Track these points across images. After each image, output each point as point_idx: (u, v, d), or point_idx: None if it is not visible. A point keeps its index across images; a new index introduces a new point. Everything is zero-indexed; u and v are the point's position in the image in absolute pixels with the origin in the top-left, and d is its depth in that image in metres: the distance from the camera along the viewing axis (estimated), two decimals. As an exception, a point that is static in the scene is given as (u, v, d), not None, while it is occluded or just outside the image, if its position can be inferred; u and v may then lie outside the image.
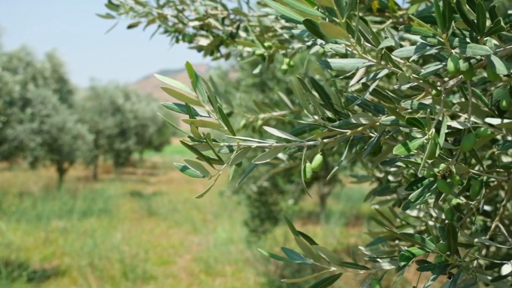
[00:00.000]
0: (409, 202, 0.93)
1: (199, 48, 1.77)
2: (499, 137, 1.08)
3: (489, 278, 1.00)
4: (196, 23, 1.74)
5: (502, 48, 0.85)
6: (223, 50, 1.80)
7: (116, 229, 9.65)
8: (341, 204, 11.76)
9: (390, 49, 0.89)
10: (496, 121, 0.92)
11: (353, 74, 0.97)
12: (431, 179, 0.93)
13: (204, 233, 9.56)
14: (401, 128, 0.92)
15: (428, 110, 0.86)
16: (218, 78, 8.83)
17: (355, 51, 0.85)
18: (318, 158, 0.91)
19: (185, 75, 0.87)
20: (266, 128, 0.91)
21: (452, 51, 0.82)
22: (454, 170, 0.92)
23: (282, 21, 1.64)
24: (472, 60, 0.83)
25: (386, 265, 0.99)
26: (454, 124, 0.90)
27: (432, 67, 0.86)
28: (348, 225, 10.02)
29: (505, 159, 1.44)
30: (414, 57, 0.84)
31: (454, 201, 1.12)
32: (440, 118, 0.83)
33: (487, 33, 0.82)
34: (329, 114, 1.00)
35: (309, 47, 1.44)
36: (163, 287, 6.73)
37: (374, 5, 1.38)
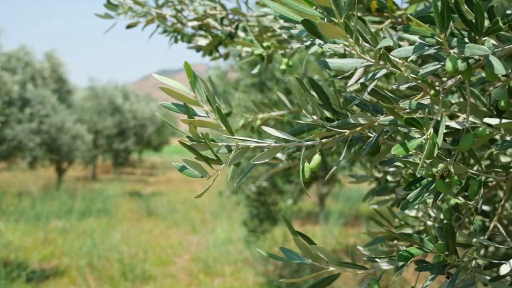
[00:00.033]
0: (408, 202, 0.93)
1: (198, 48, 1.77)
2: (497, 137, 1.08)
3: (488, 278, 1.00)
4: (195, 23, 1.74)
5: (500, 48, 0.85)
6: (222, 50, 1.80)
7: (115, 229, 9.64)
8: (340, 204, 11.77)
9: (389, 49, 0.89)
10: (494, 121, 0.92)
11: (352, 74, 0.97)
12: (430, 179, 0.93)
13: (203, 233, 9.55)
14: (399, 128, 0.92)
15: (427, 110, 0.86)
16: (217, 78, 8.83)
17: (353, 51, 0.85)
18: (317, 158, 0.92)
19: (184, 75, 0.87)
20: (265, 128, 0.91)
21: (451, 51, 0.82)
22: (452, 170, 0.92)
23: (281, 21, 1.64)
24: (470, 60, 0.83)
25: (384, 265, 0.99)
26: (453, 124, 0.90)
27: (430, 67, 0.86)
28: (347, 225, 10.03)
29: (503, 159, 1.44)
30: (413, 57, 0.84)
31: (453, 201, 1.12)
32: (439, 118, 0.83)
33: (486, 33, 0.82)
34: (327, 114, 1.00)
35: (307, 47, 1.44)
36: (162, 287, 6.72)
37: (373, 5, 1.38)
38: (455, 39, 0.82)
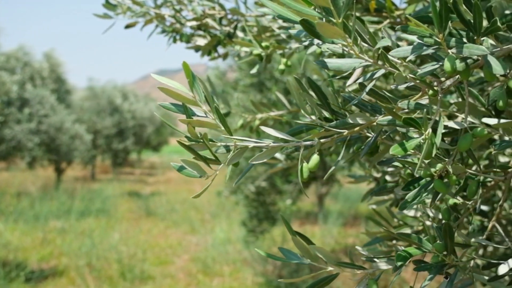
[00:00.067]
0: (406, 202, 0.93)
1: (197, 48, 1.77)
2: (496, 137, 1.08)
3: (486, 278, 1.00)
4: (194, 23, 1.74)
5: (499, 48, 0.85)
6: (220, 50, 1.80)
7: (114, 229, 9.64)
8: (339, 204, 11.77)
9: (387, 49, 0.89)
10: (493, 121, 0.92)
11: (350, 74, 0.97)
12: (428, 179, 0.93)
13: (202, 233, 9.55)
14: (398, 128, 0.92)
15: (425, 110, 0.86)
16: (216, 78, 8.83)
17: (352, 51, 0.85)
18: (315, 158, 0.91)
19: (183, 75, 0.87)
20: (264, 128, 0.91)
21: (449, 51, 0.82)
22: (451, 170, 0.92)
23: (280, 21, 1.64)
24: (468, 60, 0.83)
25: (383, 265, 0.99)
26: (451, 124, 0.90)
27: (429, 67, 0.86)
28: (346, 225, 10.03)
29: (502, 159, 1.44)
30: (411, 57, 0.84)
31: (451, 201, 1.12)
32: (437, 118, 0.83)
33: (484, 33, 0.82)
34: (326, 114, 1.00)
35: (306, 47, 1.44)
36: (160, 287, 6.72)
37: (372, 5, 1.38)
38: (454, 39, 0.82)
